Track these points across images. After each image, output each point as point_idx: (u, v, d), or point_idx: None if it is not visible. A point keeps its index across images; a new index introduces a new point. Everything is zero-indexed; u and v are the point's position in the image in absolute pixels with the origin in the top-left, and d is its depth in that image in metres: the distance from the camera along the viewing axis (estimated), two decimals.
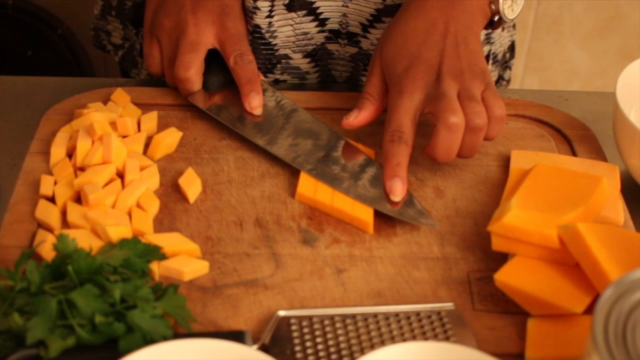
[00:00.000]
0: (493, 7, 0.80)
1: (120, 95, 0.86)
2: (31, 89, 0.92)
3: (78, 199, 0.75)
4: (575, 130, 0.86)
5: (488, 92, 0.75)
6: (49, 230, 0.72)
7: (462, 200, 0.77)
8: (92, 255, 0.65)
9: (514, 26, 1.04)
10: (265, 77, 0.95)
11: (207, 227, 0.74)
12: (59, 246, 0.65)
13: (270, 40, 0.91)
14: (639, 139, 0.76)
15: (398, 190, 0.74)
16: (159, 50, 0.87)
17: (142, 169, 0.77)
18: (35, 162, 0.79)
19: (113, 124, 0.80)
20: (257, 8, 0.88)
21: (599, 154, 0.83)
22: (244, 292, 0.68)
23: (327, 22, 0.92)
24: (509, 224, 0.67)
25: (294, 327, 0.64)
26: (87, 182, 0.73)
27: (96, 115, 0.81)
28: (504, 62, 1.05)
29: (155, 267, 0.68)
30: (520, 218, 0.67)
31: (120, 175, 0.77)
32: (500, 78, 1.05)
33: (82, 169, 0.76)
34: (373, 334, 0.64)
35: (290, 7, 0.89)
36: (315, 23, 0.91)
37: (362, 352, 0.62)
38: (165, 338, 0.61)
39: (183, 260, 0.69)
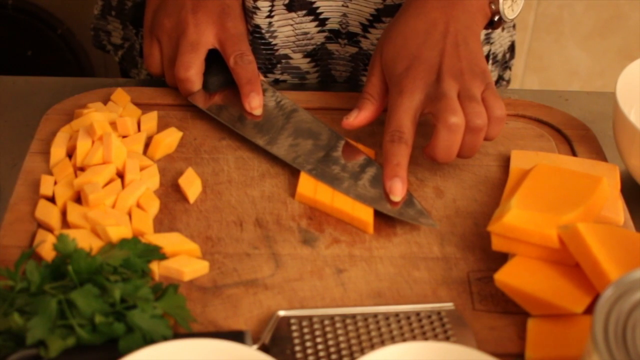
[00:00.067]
0: (493, 7, 0.80)
1: (120, 95, 0.86)
2: (31, 89, 0.92)
3: (78, 199, 0.75)
4: (575, 130, 0.86)
5: (488, 92, 0.75)
6: (49, 230, 0.72)
7: (462, 200, 0.77)
8: (92, 255, 0.65)
9: (514, 26, 1.04)
10: (265, 77, 0.95)
11: (207, 227, 0.74)
12: (59, 246, 0.65)
13: (270, 40, 0.91)
14: (639, 139, 0.76)
15: (398, 190, 0.74)
16: (159, 50, 0.87)
17: (142, 169, 0.77)
18: (35, 162, 0.79)
19: (113, 124, 0.80)
20: (257, 8, 0.88)
21: (599, 154, 0.83)
22: (244, 292, 0.68)
23: (327, 22, 0.92)
24: (509, 224, 0.67)
25: (294, 327, 0.64)
26: (87, 182, 0.73)
27: (96, 115, 0.81)
28: (504, 62, 1.05)
29: (155, 267, 0.68)
30: (520, 218, 0.67)
31: (120, 175, 0.77)
32: (500, 78, 1.05)
33: (82, 169, 0.76)
34: (373, 334, 0.64)
35: (290, 7, 0.89)
36: (315, 23, 0.91)
37: (362, 352, 0.62)
38: (165, 338, 0.61)
39: (183, 260, 0.69)
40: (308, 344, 0.63)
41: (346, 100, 0.88)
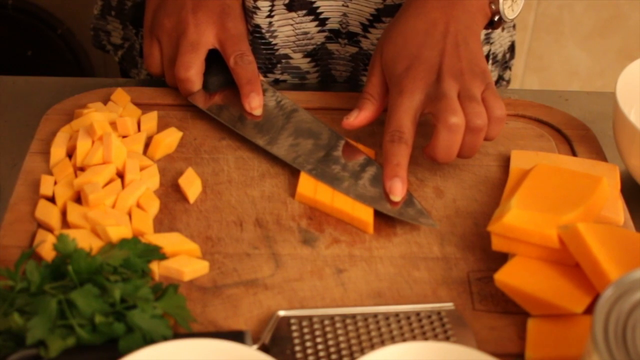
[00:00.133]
0: (493, 7, 0.80)
1: (120, 95, 0.86)
2: (31, 89, 0.92)
3: (78, 199, 0.75)
4: (575, 130, 0.86)
5: (488, 92, 0.75)
6: (49, 230, 0.72)
7: (462, 200, 0.77)
8: (92, 255, 0.65)
9: (514, 26, 1.05)
10: (265, 76, 0.95)
11: (207, 227, 0.74)
12: (59, 246, 0.65)
13: (271, 40, 0.91)
14: (639, 139, 0.76)
15: (398, 190, 0.74)
16: (159, 50, 0.87)
17: (142, 169, 0.77)
18: (35, 162, 0.79)
19: (113, 124, 0.80)
20: (258, 8, 0.88)
21: (599, 154, 0.83)
22: (244, 292, 0.68)
23: (327, 22, 0.92)
24: (509, 224, 0.67)
25: (294, 327, 0.64)
26: (87, 182, 0.73)
27: (96, 115, 0.81)
28: (504, 62, 1.05)
29: (155, 267, 0.68)
30: (520, 218, 0.67)
31: (120, 175, 0.77)
32: (500, 78, 1.05)
33: (82, 169, 0.76)
34: (373, 334, 0.64)
35: (290, 7, 0.89)
36: (316, 23, 0.91)
37: (362, 352, 0.62)
38: (165, 338, 0.61)
39: (183, 260, 0.69)
40: (308, 344, 0.63)
41: (346, 100, 0.88)
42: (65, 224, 0.72)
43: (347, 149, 0.81)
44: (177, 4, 0.85)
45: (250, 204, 0.76)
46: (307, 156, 0.79)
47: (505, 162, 0.82)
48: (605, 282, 0.61)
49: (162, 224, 0.74)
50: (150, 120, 0.83)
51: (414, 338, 0.64)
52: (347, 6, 0.90)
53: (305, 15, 0.90)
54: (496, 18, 0.81)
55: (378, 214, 0.75)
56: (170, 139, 0.81)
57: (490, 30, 0.96)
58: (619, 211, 0.74)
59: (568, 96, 0.94)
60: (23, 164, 0.79)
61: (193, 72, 0.84)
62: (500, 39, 1.01)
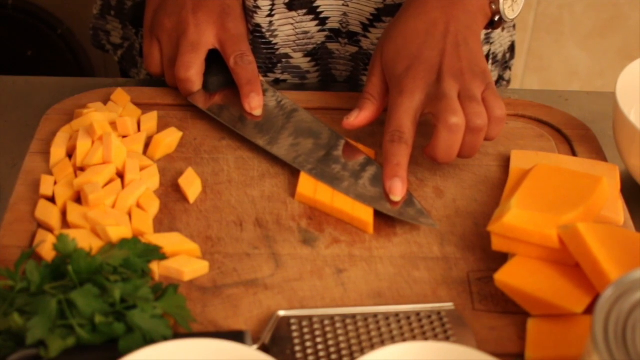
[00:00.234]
0: (493, 7, 0.80)
1: (120, 95, 0.86)
2: (31, 89, 0.92)
3: (78, 199, 0.75)
4: (575, 130, 0.86)
5: (488, 92, 0.75)
6: (49, 230, 0.72)
7: (462, 200, 0.77)
8: (92, 255, 0.65)
9: (514, 26, 1.05)
10: (266, 76, 0.95)
11: (207, 227, 0.74)
12: (59, 246, 0.65)
13: (271, 39, 0.91)
14: (639, 139, 0.76)
15: (398, 190, 0.74)
16: (159, 50, 0.87)
17: (142, 169, 0.77)
18: (35, 162, 0.79)
19: (113, 124, 0.80)
20: (258, 7, 0.88)
21: (599, 154, 0.83)
22: (244, 292, 0.68)
23: (327, 21, 0.92)
24: (509, 224, 0.67)
25: (294, 327, 0.64)
26: (87, 182, 0.73)
27: (96, 115, 0.81)
28: (504, 63, 1.05)
29: (155, 267, 0.68)
30: (520, 218, 0.67)
31: (120, 175, 0.77)
32: (500, 78, 1.06)
33: (82, 169, 0.76)
34: (373, 334, 0.64)
35: (290, 6, 0.89)
36: (316, 22, 0.91)
37: (362, 352, 0.62)
38: (165, 338, 0.61)
39: (183, 260, 0.69)
40: (308, 344, 0.63)
41: (346, 100, 0.88)
42: (65, 224, 0.72)
43: (347, 148, 0.81)
44: (177, 4, 0.85)
45: (250, 204, 0.76)
46: (307, 156, 0.79)
47: (505, 162, 0.82)
48: (605, 282, 0.61)
49: (162, 224, 0.74)
50: (150, 120, 0.83)
51: (414, 338, 0.64)
52: (348, 6, 0.90)
53: (305, 14, 0.90)
54: (496, 18, 0.81)
55: (378, 214, 0.75)
56: (170, 139, 0.81)
57: (490, 30, 0.96)
58: (619, 211, 0.74)
59: (568, 96, 0.94)
60: (23, 164, 0.79)
61: (193, 72, 0.84)
62: (501, 39, 1.01)
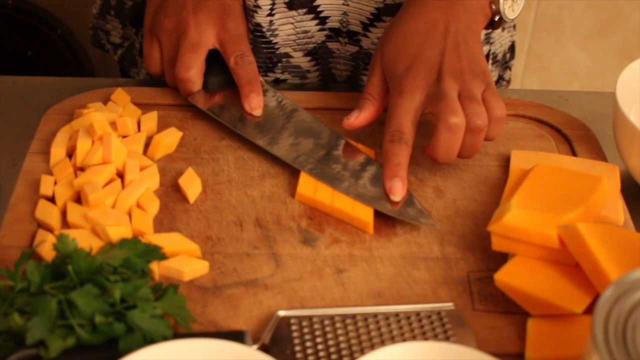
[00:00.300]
0: (493, 7, 0.80)
1: (120, 95, 0.86)
2: (31, 89, 0.92)
3: (78, 199, 0.75)
4: (575, 130, 0.86)
5: (488, 92, 0.75)
6: (49, 230, 0.72)
7: (462, 200, 0.77)
8: (92, 255, 0.65)
9: (514, 26, 1.05)
10: (266, 76, 0.95)
11: (207, 227, 0.74)
12: (59, 246, 0.65)
13: (271, 38, 0.91)
14: (639, 139, 0.76)
15: (398, 190, 0.74)
16: (159, 51, 0.87)
17: (142, 169, 0.77)
18: (35, 162, 0.79)
19: (113, 124, 0.80)
20: (258, 6, 0.88)
21: (599, 154, 0.83)
22: (244, 292, 0.68)
23: (327, 21, 0.92)
24: (509, 224, 0.67)
25: (294, 327, 0.64)
26: (87, 182, 0.73)
27: (96, 115, 0.81)
28: (504, 63, 1.05)
29: (155, 267, 0.68)
30: (520, 218, 0.67)
31: (120, 175, 0.77)
32: (500, 78, 1.06)
33: (82, 169, 0.76)
34: (373, 334, 0.64)
35: (291, 6, 0.89)
36: (316, 21, 0.92)
37: (362, 352, 0.62)
38: (165, 338, 0.61)
39: (183, 260, 0.69)
40: (308, 344, 0.63)
41: (346, 100, 0.88)
42: (65, 224, 0.72)
43: (347, 148, 0.81)
44: (177, 4, 0.85)
45: (250, 204, 0.76)
46: (308, 156, 0.79)
47: (505, 162, 0.82)
48: (605, 282, 0.61)
49: (162, 224, 0.74)
50: (150, 120, 0.83)
51: (414, 338, 0.64)
52: (348, 5, 0.90)
53: (305, 13, 0.91)
54: (496, 18, 0.81)
55: (378, 214, 0.75)
56: (170, 139, 0.81)
57: (490, 30, 0.96)
58: (619, 211, 0.74)
59: (568, 96, 0.94)
60: (23, 164, 0.79)
61: (193, 73, 0.84)
62: (501, 39, 1.01)
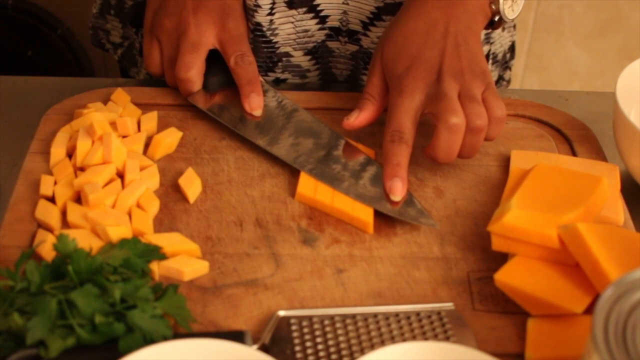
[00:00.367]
0: (493, 7, 0.81)
1: (120, 95, 0.86)
2: (31, 89, 0.92)
3: (78, 199, 0.75)
4: (575, 130, 0.86)
5: (488, 92, 0.75)
6: (49, 230, 0.72)
7: (462, 200, 0.77)
8: (92, 255, 0.65)
9: (514, 26, 1.05)
10: (266, 76, 0.95)
11: (207, 227, 0.74)
12: (59, 246, 0.65)
13: (272, 38, 0.91)
14: (639, 139, 0.76)
15: (398, 190, 0.74)
16: (159, 51, 0.87)
17: (142, 169, 0.77)
18: (35, 162, 0.79)
19: (113, 124, 0.80)
20: (259, 6, 0.88)
21: (599, 154, 0.83)
22: (244, 292, 0.68)
23: (327, 20, 0.92)
24: (509, 224, 0.67)
25: (294, 327, 0.64)
26: (87, 182, 0.73)
27: (96, 115, 0.81)
28: (504, 63, 1.05)
29: (155, 267, 0.68)
30: (520, 218, 0.67)
31: (120, 175, 0.77)
32: (500, 78, 1.06)
33: (82, 169, 0.76)
34: (373, 334, 0.64)
35: (290, 5, 0.89)
36: (316, 20, 0.92)
37: (362, 352, 0.62)
38: (165, 338, 0.61)
39: (183, 260, 0.69)
40: (308, 344, 0.63)
41: (346, 100, 0.88)
42: (65, 224, 0.72)
43: (347, 148, 0.81)
44: (178, 5, 0.85)
45: (250, 204, 0.76)
46: (308, 156, 0.79)
47: (505, 162, 0.82)
48: (605, 282, 0.61)
49: (162, 224, 0.74)
50: (150, 120, 0.83)
51: (414, 338, 0.64)
52: (348, 4, 0.90)
53: (305, 12, 0.91)
54: (496, 18, 0.81)
55: (378, 214, 0.75)
56: (170, 139, 0.81)
57: (490, 30, 0.96)
58: (619, 211, 0.74)
59: (568, 96, 0.94)
60: (23, 164, 0.79)
61: (193, 73, 0.84)
62: (501, 39, 1.01)
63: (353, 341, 0.63)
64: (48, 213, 0.72)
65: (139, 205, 0.74)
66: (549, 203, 0.68)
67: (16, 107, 0.89)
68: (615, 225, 0.73)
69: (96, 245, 0.69)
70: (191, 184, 0.76)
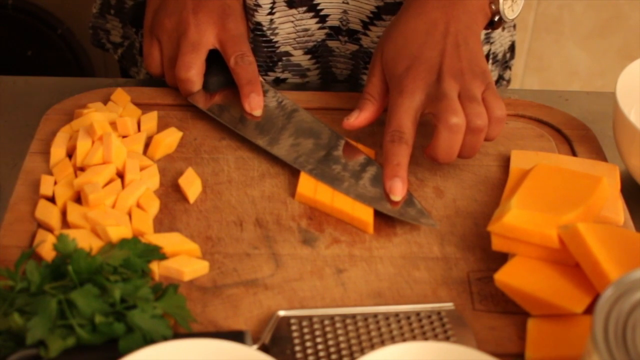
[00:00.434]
0: (493, 7, 0.81)
1: (120, 95, 0.86)
2: (31, 89, 0.92)
3: (78, 199, 0.75)
4: (575, 130, 0.86)
5: (488, 92, 0.75)
6: (49, 230, 0.72)
7: (462, 200, 0.77)
8: (92, 255, 0.65)
9: (514, 26, 1.05)
10: (266, 75, 0.95)
11: (207, 227, 0.74)
12: (59, 246, 0.65)
13: (272, 37, 0.91)
14: (639, 139, 0.76)
15: (398, 190, 0.74)
16: (159, 51, 0.87)
17: (142, 169, 0.77)
18: (35, 162, 0.79)
19: (113, 124, 0.80)
20: (259, 5, 0.88)
21: (599, 154, 0.83)
22: (244, 292, 0.68)
23: (327, 19, 0.92)
24: (509, 224, 0.67)
25: (294, 327, 0.64)
26: (87, 182, 0.73)
27: (96, 115, 0.81)
28: (504, 62, 1.05)
29: (155, 267, 0.68)
30: (520, 218, 0.67)
31: (120, 175, 0.77)
32: (500, 78, 1.06)
33: (82, 169, 0.76)
34: (373, 334, 0.64)
35: (291, 4, 0.89)
36: (316, 20, 0.92)
37: (362, 352, 0.62)
38: (165, 338, 0.61)
39: (183, 260, 0.69)
40: (308, 344, 0.63)
41: (346, 100, 0.88)
42: (65, 224, 0.72)
43: (347, 149, 0.81)
44: (178, 5, 0.85)
45: (250, 204, 0.76)
46: (308, 156, 0.79)
47: (505, 162, 0.82)
48: (605, 282, 0.61)
49: (162, 224, 0.74)
50: (150, 120, 0.83)
51: (414, 338, 0.64)
52: (348, 3, 0.90)
53: (305, 12, 0.91)
54: (496, 18, 0.81)
55: (378, 214, 0.75)
56: (170, 139, 0.81)
57: (490, 30, 0.96)
58: (619, 211, 0.74)
59: (568, 96, 0.94)
60: (23, 164, 0.79)
61: (194, 73, 0.84)
62: (501, 39, 1.01)
63: (353, 341, 0.63)
64: (48, 213, 0.72)
65: (139, 205, 0.74)
66: (549, 203, 0.68)
67: (16, 107, 0.89)
68: (615, 225, 0.73)
69: (96, 245, 0.69)
70: (191, 184, 0.76)
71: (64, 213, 0.73)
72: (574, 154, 0.83)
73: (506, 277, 0.66)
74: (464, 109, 0.73)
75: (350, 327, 0.64)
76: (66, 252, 0.64)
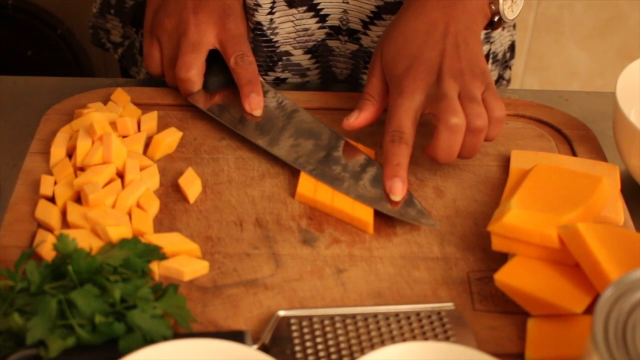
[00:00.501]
0: (493, 7, 0.81)
1: (120, 95, 0.86)
2: (31, 89, 0.92)
3: (78, 199, 0.75)
4: (575, 130, 0.86)
5: (488, 92, 0.75)
6: (49, 230, 0.72)
7: (462, 200, 0.77)
8: (92, 255, 0.65)
9: (514, 26, 1.05)
10: (266, 75, 0.95)
11: (207, 227, 0.74)
12: (59, 246, 0.65)
13: (272, 37, 0.91)
14: (639, 139, 0.76)
15: (398, 190, 0.74)
16: (159, 51, 0.87)
17: (142, 169, 0.77)
18: (35, 162, 0.79)
19: (113, 124, 0.80)
20: (259, 5, 0.88)
21: (599, 154, 0.83)
22: (244, 292, 0.68)
23: (327, 18, 0.92)
24: (509, 224, 0.67)
25: (294, 327, 0.64)
26: (87, 182, 0.73)
27: (96, 115, 0.81)
28: (504, 62, 1.05)
29: (155, 267, 0.68)
30: (520, 218, 0.67)
31: (120, 175, 0.77)
32: (500, 78, 1.06)
33: (82, 169, 0.76)
34: (373, 334, 0.64)
35: (291, 3, 0.89)
36: (316, 19, 0.92)
37: (362, 352, 0.62)
38: (165, 338, 0.61)
39: (183, 260, 0.69)
40: (308, 344, 0.63)
41: (346, 100, 0.88)
42: (65, 224, 0.72)
43: (347, 149, 0.81)
44: (178, 5, 0.85)
45: (250, 204, 0.76)
46: (308, 157, 0.79)
47: (505, 162, 0.82)
48: (605, 282, 0.61)
49: (162, 224, 0.74)
50: (150, 120, 0.83)
51: (414, 338, 0.64)
52: (348, 3, 0.90)
53: (305, 11, 0.91)
54: (496, 18, 0.81)
55: (378, 214, 0.75)
56: (170, 139, 0.81)
57: (490, 30, 0.96)
58: (619, 211, 0.74)
59: (568, 96, 0.94)
60: (23, 164, 0.79)
61: (194, 73, 0.84)
62: (501, 39, 1.01)
63: (353, 341, 0.63)
64: (48, 213, 0.72)
65: (139, 205, 0.74)
66: (549, 203, 0.68)
67: (16, 107, 0.89)
68: (615, 225, 0.73)
69: (96, 245, 0.69)
70: (191, 184, 0.76)
71: (64, 213, 0.73)
72: (574, 154, 0.83)
73: (506, 277, 0.66)
74: (464, 109, 0.73)
75: (350, 327, 0.64)
76: (66, 252, 0.64)
